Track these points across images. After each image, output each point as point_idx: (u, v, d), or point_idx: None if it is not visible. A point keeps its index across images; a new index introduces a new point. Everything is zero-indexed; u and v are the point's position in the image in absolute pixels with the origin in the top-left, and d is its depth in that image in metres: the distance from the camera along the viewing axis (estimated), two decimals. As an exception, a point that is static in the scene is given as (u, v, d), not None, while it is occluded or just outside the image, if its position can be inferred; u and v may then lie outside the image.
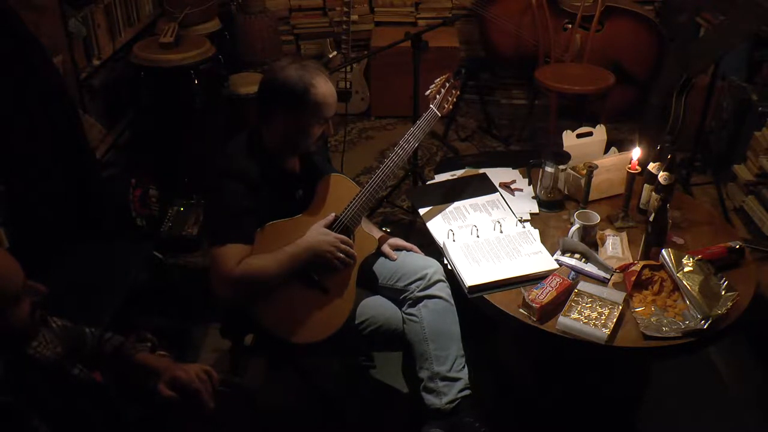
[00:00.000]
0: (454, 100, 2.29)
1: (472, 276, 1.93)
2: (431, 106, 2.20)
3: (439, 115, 2.20)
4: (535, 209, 2.28)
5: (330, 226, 1.91)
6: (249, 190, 1.82)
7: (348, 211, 1.95)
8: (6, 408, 1.22)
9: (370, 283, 2.07)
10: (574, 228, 2.04)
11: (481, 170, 2.50)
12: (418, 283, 2.01)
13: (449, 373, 1.94)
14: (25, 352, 1.34)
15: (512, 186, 2.40)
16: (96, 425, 1.40)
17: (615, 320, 1.77)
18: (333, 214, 1.92)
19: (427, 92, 2.24)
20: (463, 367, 1.97)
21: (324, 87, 1.82)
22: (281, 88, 1.81)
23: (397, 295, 2.04)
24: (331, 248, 1.84)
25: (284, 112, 1.84)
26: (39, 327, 1.36)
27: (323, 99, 1.82)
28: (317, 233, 1.85)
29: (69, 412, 1.33)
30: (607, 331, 1.73)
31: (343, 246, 1.86)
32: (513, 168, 2.52)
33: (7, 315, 1.24)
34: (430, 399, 1.94)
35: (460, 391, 1.94)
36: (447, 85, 2.26)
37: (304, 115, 1.83)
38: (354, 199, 1.96)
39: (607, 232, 2.10)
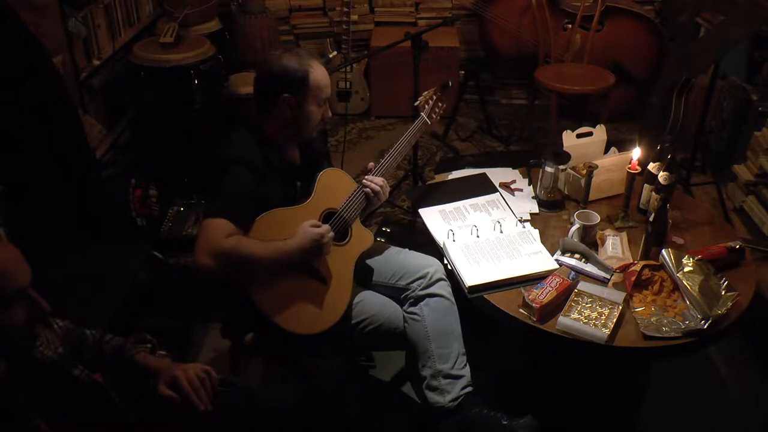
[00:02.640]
0: (442, 112, 2.42)
1: (472, 276, 1.93)
2: (421, 114, 2.31)
3: (429, 123, 2.31)
4: (535, 209, 2.28)
5: (329, 220, 1.93)
6: (254, 176, 1.84)
7: (346, 205, 1.98)
8: (8, 407, 1.22)
9: (364, 279, 2.08)
10: (574, 228, 2.05)
11: (481, 170, 2.50)
12: (420, 281, 2.02)
13: (452, 370, 1.95)
14: (28, 352, 1.33)
15: (512, 186, 2.41)
16: (96, 425, 1.40)
17: (615, 320, 1.77)
18: (324, 213, 1.94)
19: (416, 103, 2.39)
20: (465, 364, 1.98)
21: (320, 69, 1.92)
22: (282, 76, 1.87)
23: (398, 294, 2.04)
24: (319, 246, 1.82)
25: (287, 99, 1.88)
26: (33, 342, 1.34)
27: (322, 81, 1.92)
28: (303, 233, 1.82)
29: (70, 412, 1.33)
30: (607, 331, 1.73)
31: (324, 240, 1.83)
32: (513, 168, 2.53)
33: None
34: (433, 397, 1.95)
35: (463, 388, 1.95)
36: (434, 97, 2.39)
37: (306, 98, 1.90)
38: (352, 194, 2.00)
39: (607, 232, 2.10)
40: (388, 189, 2.09)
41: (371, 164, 2.12)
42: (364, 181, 2.04)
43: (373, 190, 2.03)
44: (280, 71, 1.88)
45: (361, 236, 2.04)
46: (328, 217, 1.96)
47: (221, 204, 1.80)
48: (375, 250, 2.09)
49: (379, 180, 2.06)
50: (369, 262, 2.10)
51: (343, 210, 1.98)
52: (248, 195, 1.82)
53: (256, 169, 1.85)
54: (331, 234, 1.86)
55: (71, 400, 1.36)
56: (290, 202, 1.92)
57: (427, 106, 2.34)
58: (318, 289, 1.89)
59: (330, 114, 2.00)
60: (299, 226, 1.83)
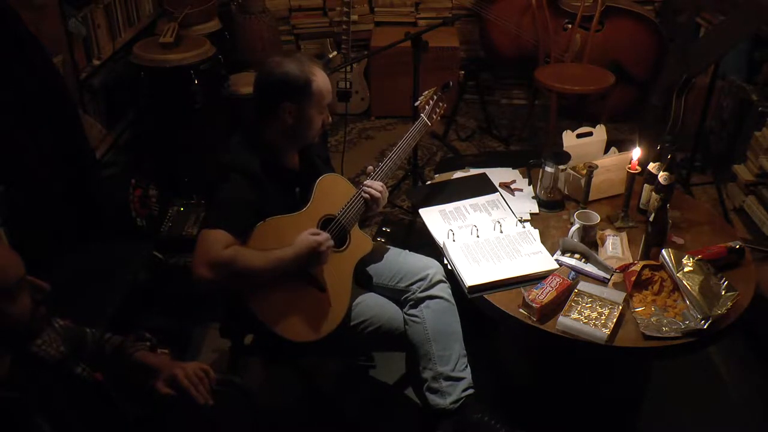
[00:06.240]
0: (442, 112, 2.38)
1: (472, 276, 1.93)
2: (422, 115, 2.28)
3: (429, 124, 2.28)
4: (535, 209, 2.28)
5: (327, 227, 1.93)
6: (251, 184, 1.83)
7: (345, 211, 1.97)
8: (10, 404, 1.22)
9: (365, 282, 2.08)
10: (574, 228, 2.05)
11: (481, 170, 2.50)
12: (420, 283, 2.01)
13: (453, 372, 1.95)
14: (30, 349, 1.34)
15: (512, 186, 2.41)
16: (97, 424, 1.40)
17: (615, 320, 1.77)
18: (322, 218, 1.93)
19: (417, 103, 2.35)
20: (466, 366, 1.98)
21: (321, 76, 1.90)
22: (284, 83, 1.85)
23: (399, 296, 2.04)
24: (317, 254, 1.82)
25: (289, 106, 1.86)
26: (43, 325, 1.36)
27: (324, 87, 1.90)
28: (301, 240, 1.82)
29: (71, 410, 1.34)
30: (607, 331, 1.73)
31: (322, 248, 1.83)
32: (513, 168, 2.53)
33: (3, 309, 1.23)
34: (434, 399, 1.94)
35: (464, 390, 1.94)
36: (435, 97, 2.35)
37: (308, 105, 1.88)
38: (350, 200, 1.99)
39: (607, 232, 2.10)
40: (387, 194, 2.07)
41: (370, 168, 2.10)
42: (363, 186, 2.02)
43: (372, 196, 2.00)
44: (281, 78, 1.85)
45: (360, 242, 2.02)
46: (326, 223, 1.95)
47: (218, 214, 1.79)
48: (375, 253, 2.08)
49: (378, 185, 2.03)
50: (369, 264, 2.09)
51: (341, 216, 1.96)
52: (246, 204, 1.80)
53: (254, 177, 1.84)
54: (331, 242, 1.85)
55: (73, 398, 1.36)
56: (289, 209, 1.90)
57: (427, 107, 2.31)
58: (317, 296, 1.88)
59: (330, 119, 1.98)
60: (298, 234, 1.82)
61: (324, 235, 1.83)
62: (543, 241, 2.08)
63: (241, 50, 3.98)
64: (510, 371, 2.34)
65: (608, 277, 1.95)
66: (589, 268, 1.97)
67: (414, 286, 2.02)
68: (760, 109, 3.20)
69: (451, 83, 2.48)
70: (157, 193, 2.89)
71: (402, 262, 2.09)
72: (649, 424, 2.22)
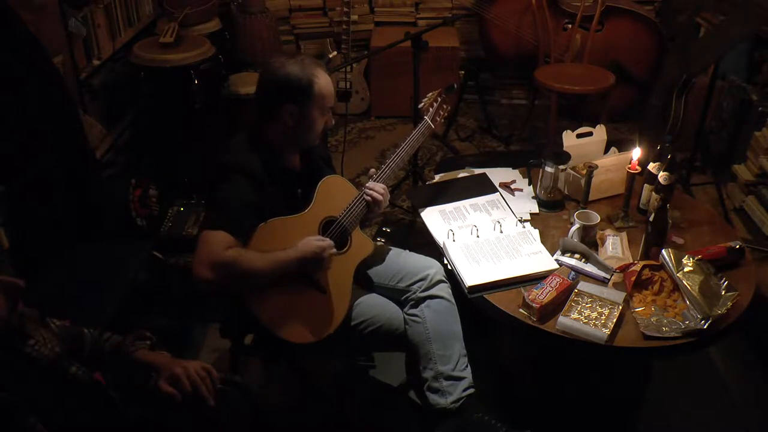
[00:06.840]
0: (446, 114, 2.36)
1: (472, 276, 1.93)
2: (425, 117, 2.26)
3: (433, 127, 2.27)
4: (535, 209, 2.28)
5: (329, 229, 1.92)
6: (252, 185, 1.83)
7: (346, 213, 1.96)
8: (2, 406, 1.22)
9: (366, 283, 2.08)
10: (574, 228, 2.05)
11: (481, 170, 2.50)
12: (420, 283, 2.01)
13: (453, 372, 1.94)
14: (23, 350, 1.33)
15: (512, 186, 2.41)
16: (95, 425, 1.40)
17: (615, 320, 1.77)
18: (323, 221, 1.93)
19: (420, 105, 2.34)
20: (467, 366, 1.98)
21: (324, 78, 1.89)
22: (286, 85, 1.84)
23: (399, 296, 2.04)
24: (320, 259, 1.82)
25: (291, 108, 1.86)
26: (25, 322, 1.34)
27: (326, 90, 1.89)
28: (305, 244, 1.82)
29: (68, 411, 1.33)
30: (607, 331, 1.73)
31: (325, 254, 1.83)
32: (513, 168, 2.53)
33: None
34: (435, 398, 1.94)
35: (465, 389, 1.94)
36: (438, 99, 2.33)
37: (310, 107, 1.87)
38: (352, 201, 1.98)
39: (607, 232, 2.10)
40: (389, 196, 2.06)
41: (372, 170, 2.10)
42: (365, 189, 2.02)
43: (374, 198, 2.00)
44: (284, 80, 1.84)
45: (361, 244, 2.02)
46: (327, 225, 1.94)
47: (220, 215, 1.79)
48: (375, 253, 2.08)
49: (380, 187, 2.02)
50: (369, 264, 2.09)
51: (342, 218, 1.96)
52: (247, 205, 1.80)
53: (256, 177, 1.84)
54: (333, 250, 1.85)
55: (69, 399, 1.35)
56: (291, 210, 1.90)
57: (431, 109, 2.29)
58: (317, 298, 1.88)
59: (333, 122, 1.98)
60: (301, 237, 1.82)
61: (327, 242, 1.83)
62: (543, 241, 2.08)
63: (241, 50, 3.98)
64: (510, 371, 2.34)
65: (608, 277, 1.95)
66: (589, 268, 1.98)
67: (414, 286, 2.02)
68: (760, 109, 3.20)
69: (455, 85, 2.46)
70: (157, 193, 2.89)
71: (402, 262, 2.09)
72: (649, 423, 2.22)
